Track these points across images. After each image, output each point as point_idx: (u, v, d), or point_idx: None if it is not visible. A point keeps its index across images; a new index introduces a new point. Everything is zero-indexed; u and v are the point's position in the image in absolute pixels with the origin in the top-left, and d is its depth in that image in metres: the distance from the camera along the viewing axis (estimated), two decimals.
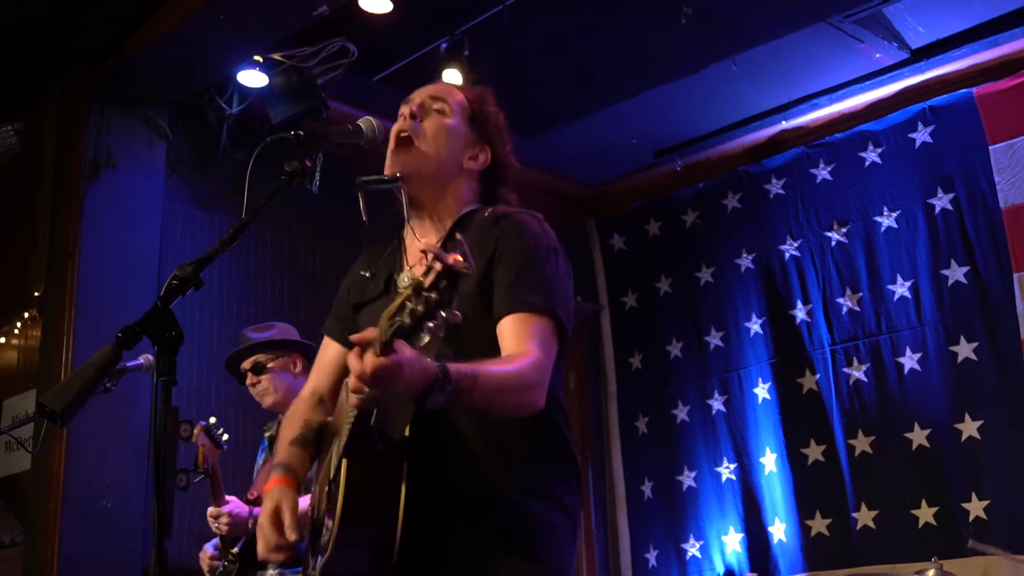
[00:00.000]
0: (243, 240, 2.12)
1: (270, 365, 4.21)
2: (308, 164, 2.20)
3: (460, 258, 1.76)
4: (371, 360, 1.85)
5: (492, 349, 2.27)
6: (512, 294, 2.31)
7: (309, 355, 4.28)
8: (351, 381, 1.92)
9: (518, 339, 2.26)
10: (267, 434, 4.38)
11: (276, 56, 5.18)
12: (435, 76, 5.28)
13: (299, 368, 4.26)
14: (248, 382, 4.23)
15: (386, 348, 1.84)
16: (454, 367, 2.01)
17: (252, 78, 5.34)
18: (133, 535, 5.05)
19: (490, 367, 2.14)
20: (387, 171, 2.46)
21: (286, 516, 2.22)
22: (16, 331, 5.67)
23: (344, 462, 2.15)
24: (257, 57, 5.25)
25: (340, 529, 2.12)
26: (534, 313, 2.29)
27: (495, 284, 2.33)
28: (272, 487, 2.30)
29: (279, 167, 2.17)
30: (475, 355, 2.17)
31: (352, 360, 1.89)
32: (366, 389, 1.90)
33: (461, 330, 2.21)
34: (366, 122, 2.37)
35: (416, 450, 2.18)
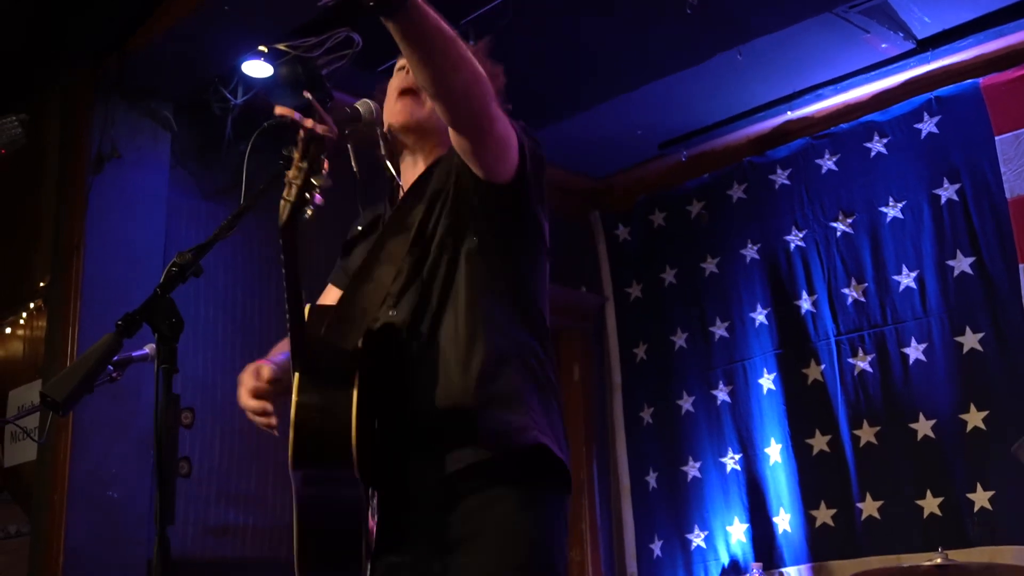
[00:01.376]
0: (246, 230, 2.13)
1: None
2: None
3: (313, 122, 1.83)
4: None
5: (489, 263, 2.31)
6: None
7: None
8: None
9: None
10: None
11: (280, 46, 5.17)
12: None
13: None
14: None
15: (289, 226, 1.88)
16: None
17: (257, 68, 5.34)
18: (139, 526, 5.06)
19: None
20: (396, 119, 2.51)
21: (264, 370, 2.25)
22: (22, 322, 5.68)
23: (295, 376, 2.13)
24: (261, 47, 5.25)
25: (295, 447, 2.10)
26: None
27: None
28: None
29: (279, 151, 2.17)
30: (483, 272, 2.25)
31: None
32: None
33: (436, 253, 2.31)
34: (364, 104, 2.39)
35: (371, 363, 2.15)
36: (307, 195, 1.77)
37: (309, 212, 1.81)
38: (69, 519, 4.92)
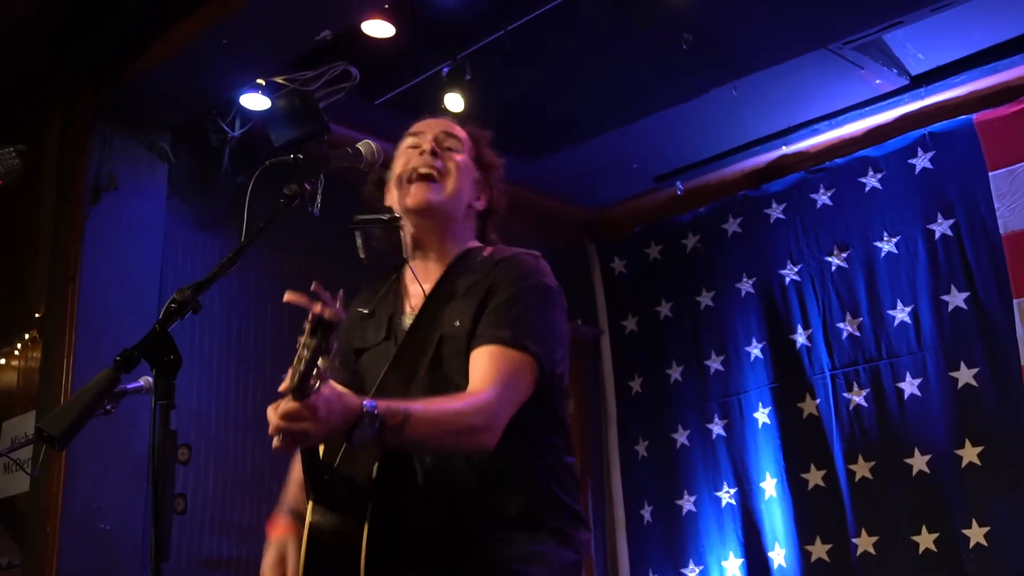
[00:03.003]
0: (244, 261, 2.13)
1: None
2: (308, 187, 2.21)
3: (322, 307, 1.84)
4: (283, 405, 1.87)
5: None
6: (482, 329, 2.27)
7: None
8: (270, 427, 1.91)
9: (478, 375, 2.21)
10: None
11: (278, 79, 5.21)
12: (437, 100, 5.30)
13: None
14: None
15: (297, 392, 1.84)
16: (384, 404, 1.98)
17: (254, 101, 5.36)
18: (132, 557, 5.03)
19: (429, 405, 2.08)
20: (411, 203, 2.45)
21: (289, 565, 2.23)
22: (16, 352, 5.67)
23: (309, 505, 2.14)
24: (260, 80, 5.28)
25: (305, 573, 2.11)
26: (502, 346, 2.23)
27: None
28: (277, 535, 2.30)
29: (280, 189, 2.18)
30: None
31: (269, 409, 1.90)
32: (286, 433, 1.88)
33: (452, 376, 2.26)
34: (365, 145, 2.38)
35: (384, 492, 2.13)
36: (312, 371, 1.82)
37: (314, 384, 1.85)
38: (62, 551, 4.89)
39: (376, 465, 2.13)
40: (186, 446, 4.28)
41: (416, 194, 2.45)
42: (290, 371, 1.86)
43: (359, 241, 2.46)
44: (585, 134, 6.18)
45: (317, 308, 1.85)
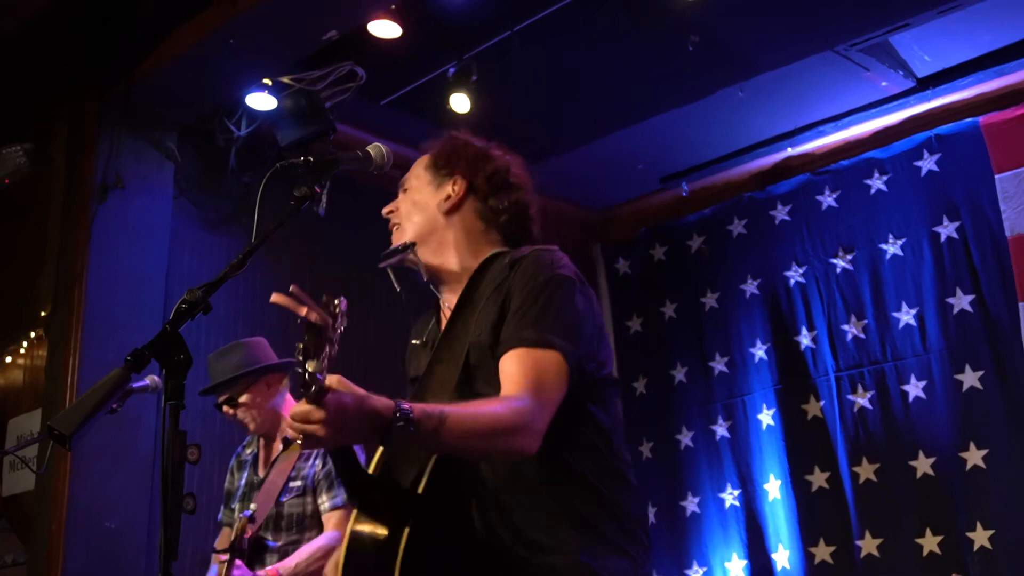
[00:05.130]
0: (250, 261, 2.14)
1: (242, 399, 4.15)
2: (317, 190, 2.21)
3: (306, 310, 1.90)
4: (297, 407, 1.86)
5: None
6: (506, 333, 2.22)
7: (281, 370, 4.27)
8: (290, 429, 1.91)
9: (509, 381, 2.15)
10: (248, 450, 4.36)
11: (285, 79, 5.22)
12: (443, 101, 5.31)
13: (274, 388, 4.22)
14: (225, 414, 4.21)
15: (309, 395, 1.83)
16: (420, 407, 1.94)
17: (261, 101, 5.37)
18: (137, 556, 5.05)
19: (465, 409, 2.04)
20: (397, 284, 2.49)
21: None
22: (22, 350, 5.68)
23: (353, 513, 2.14)
24: (266, 80, 5.29)
25: None
26: (525, 348, 2.17)
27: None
28: None
29: (286, 188, 2.19)
30: None
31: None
32: (303, 434, 1.87)
33: (480, 388, 2.23)
34: (375, 148, 2.38)
35: (427, 502, 2.10)
36: (308, 377, 1.82)
37: (314, 388, 1.83)
38: (67, 549, 4.89)
39: (425, 474, 2.11)
40: (195, 446, 4.29)
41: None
42: (299, 371, 1.86)
43: (393, 278, 2.47)
44: (591, 135, 6.19)
45: (302, 311, 1.89)
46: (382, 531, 2.09)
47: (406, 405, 1.92)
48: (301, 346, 1.82)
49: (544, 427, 2.10)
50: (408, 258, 2.47)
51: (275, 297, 1.96)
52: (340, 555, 2.11)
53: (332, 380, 1.87)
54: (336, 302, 1.93)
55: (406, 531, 2.06)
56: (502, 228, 2.50)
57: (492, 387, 2.18)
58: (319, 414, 1.83)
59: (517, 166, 2.58)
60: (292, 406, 4.25)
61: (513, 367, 2.16)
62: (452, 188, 2.49)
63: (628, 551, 2.25)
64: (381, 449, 2.18)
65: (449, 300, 2.46)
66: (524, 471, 2.19)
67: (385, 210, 2.55)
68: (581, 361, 2.22)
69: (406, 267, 2.49)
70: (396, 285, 2.47)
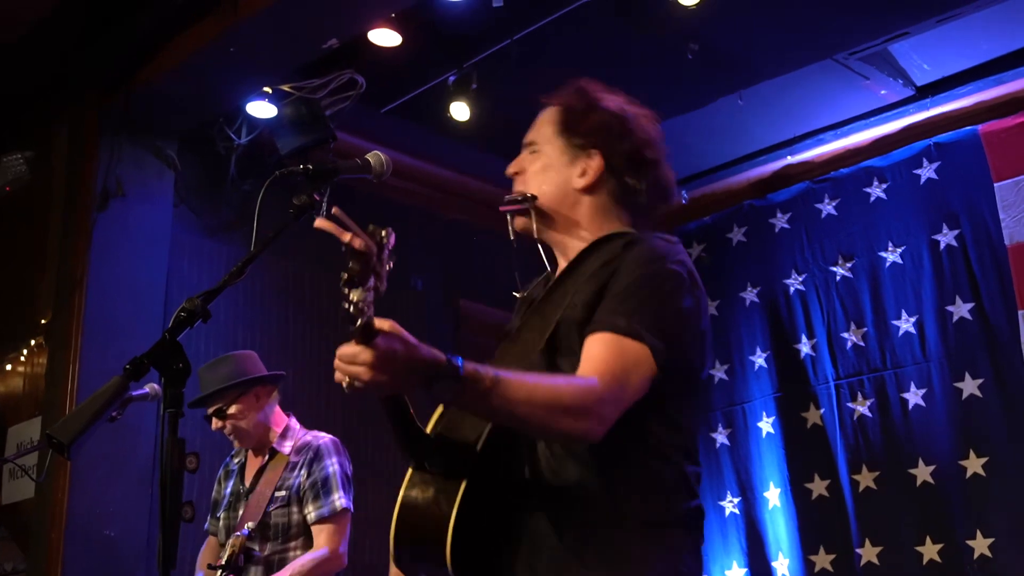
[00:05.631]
0: (249, 269, 2.14)
1: (231, 411, 4.16)
2: (317, 198, 2.21)
3: (350, 237, 1.78)
4: (345, 347, 1.79)
5: None
6: (599, 315, 2.09)
7: (270, 382, 4.29)
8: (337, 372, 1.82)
9: (588, 361, 2.03)
10: (236, 460, 4.38)
11: (285, 87, 5.23)
12: (443, 109, 5.32)
13: (263, 400, 4.23)
14: (214, 427, 4.22)
15: (359, 337, 1.76)
16: (474, 365, 1.84)
17: (261, 109, 5.39)
18: (136, 564, 5.05)
19: (525, 376, 1.92)
20: (512, 233, 2.37)
21: None
22: (22, 358, 5.69)
23: (408, 473, 2.08)
24: (266, 88, 5.30)
25: (395, 543, 2.07)
26: (615, 334, 2.03)
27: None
28: None
29: (286, 196, 2.19)
30: None
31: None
32: (347, 377, 1.79)
33: (561, 361, 2.14)
34: (374, 156, 2.38)
35: (484, 468, 2.02)
36: (353, 308, 1.74)
37: (362, 321, 1.75)
38: (66, 557, 4.90)
39: (483, 438, 2.03)
40: (194, 454, 4.30)
41: (513, 226, 2.38)
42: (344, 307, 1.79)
43: (511, 226, 2.36)
44: None
45: (346, 237, 1.78)
46: (436, 490, 2.02)
47: (459, 360, 1.83)
48: (345, 275, 1.74)
49: (613, 417, 1.98)
50: (523, 213, 2.35)
51: (319, 222, 1.85)
52: (393, 520, 2.05)
53: (384, 324, 1.78)
54: (384, 232, 1.82)
55: (461, 489, 1.99)
56: (634, 206, 2.37)
57: (572, 364, 2.07)
58: (367, 355, 1.75)
59: (655, 132, 2.43)
60: (281, 418, 4.28)
61: (596, 349, 2.04)
62: (588, 163, 2.34)
63: (679, 559, 2.16)
64: (440, 410, 2.12)
65: (560, 264, 2.36)
66: (579, 458, 2.09)
67: (510, 170, 2.41)
68: (672, 362, 2.08)
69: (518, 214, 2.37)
70: (511, 233, 2.34)
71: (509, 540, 2.09)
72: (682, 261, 2.21)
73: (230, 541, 4.00)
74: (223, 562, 3.93)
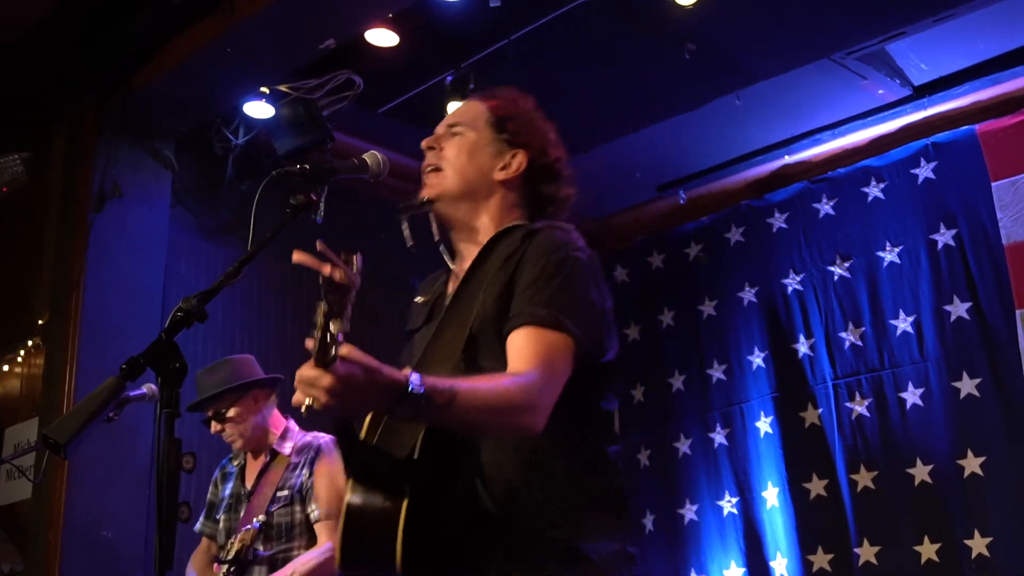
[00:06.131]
0: (246, 270, 2.13)
1: (229, 414, 4.17)
2: (313, 198, 2.21)
3: (331, 268, 1.81)
4: (302, 369, 1.81)
5: None
6: (516, 309, 2.18)
7: (268, 385, 4.30)
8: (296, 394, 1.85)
9: (517, 357, 2.12)
10: (234, 462, 4.38)
11: (282, 88, 5.23)
12: (440, 109, 5.31)
13: (260, 403, 4.25)
14: (212, 430, 4.23)
15: (317, 358, 1.78)
16: (431, 380, 1.90)
17: (258, 109, 5.39)
18: (134, 565, 5.04)
19: (474, 384, 2.00)
20: (423, 194, 2.43)
21: None
22: (19, 359, 5.68)
23: (348, 484, 2.09)
24: (264, 89, 5.29)
25: (343, 548, 2.06)
26: (537, 327, 2.13)
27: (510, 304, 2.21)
28: None
29: (283, 197, 2.18)
30: None
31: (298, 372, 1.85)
32: (312, 398, 1.81)
33: (481, 356, 2.20)
34: (371, 156, 2.38)
35: (423, 473, 2.06)
36: (328, 338, 1.77)
37: (333, 352, 1.78)
38: (64, 558, 4.89)
39: (418, 443, 2.07)
40: (191, 454, 4.30)
41: (424, 187, 2.44)
42: (311, 340, 1.81)
43: (405, 230, 2.41)
44: (588, 143, 6.18)
45: (326, 270, 1.82)
46: (382, 500, 2.04)
47: (417, 379, 1.88)
48: (323, 306, 1.76)
49: (550, 406, 2.08)
50: (426, 211, 2.41)
51: (297, 256, 1.91)
52: (338, 529, 2.06)
53: (343, 349, 1.81)
54: (354, 258, 1.88)
55: (405, 500, 2.01)
56: (539, 211, 2.46)
57: (494, 359, 2.16)
58: (326, 380, 1.78)
59: (567, 158, 2.56)
60: (280, 421, 4.28)
61: (523, 344, 2.13)
62: (512, 160, 2.44)
63: (616, 535, 2.24)
64: (370, 417, 2.15)
65: (461, 263, 2.42)
66: (520, 446, 2.17)
67: (426, 142, 2.48)
68: (588, 347, 2.20)
69: (417, 218, 2.43)
70: (408, 240, 2.40)
71: (455, 538, 2.13)
72: (582, 247, 2.30)
73: (239, 536, 4.00)
74: (230, 556, 3.94)
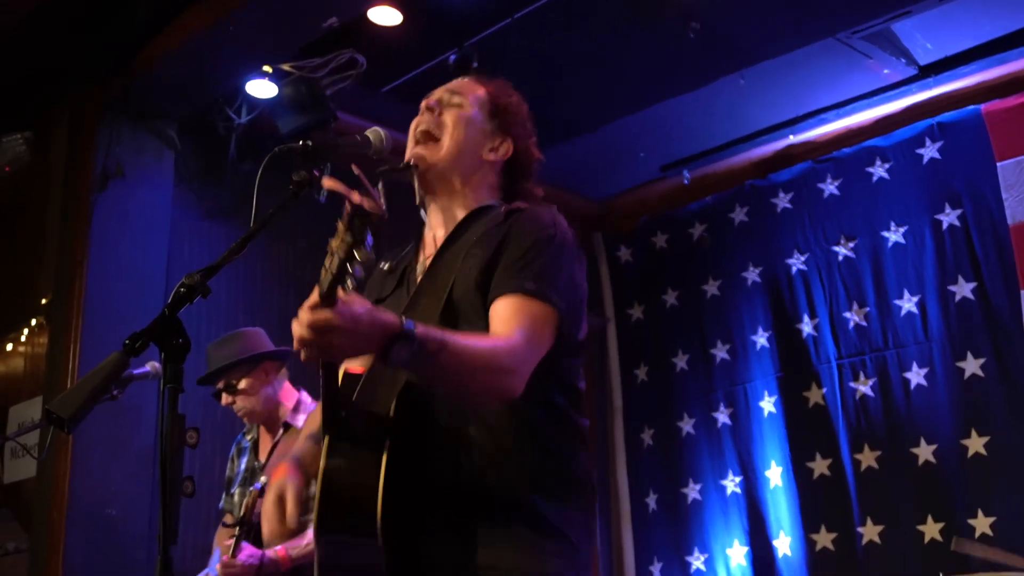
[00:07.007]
0: (250, 250, 2.13)
1: (240, 386, 4.19)
2: (316, 174, 2.20)
3: (361, 196, 1.80)
4: (308, 313, 1.84)
5: None
6: (503, 278, 2.24)
7: (278, 358, 4.30)
8: (295, 337, 1.87)
9: (503, 322, 2.18)
10: (248, 437, 4.39)
11: (285, 66, 5.21)
12: None
13: (271, 375, 4.26)
14: (223, 402, 4.24)
15: (327, 300, 1.81)
16: (422, 327, 1.95)
17: (261, 88, 5.36)
18: (138, 543, 5.06)
19: (463, 339, 2.05)
20: (408, 159, 2.46)
21: (288, 502, 2.19)
22: (23, 338, 5.69)
23: (326, 440, 2.10)
24: (266, 68, 5.28)
25: (320, 511, 2.08)
26: (524, 296, 2.20)
27: (494, 274, 2.27)
28: (278, 475, 2.27)
29: (287, 176, 2.18)
30: None
31: (299, 314, 1.86)
32: (311, 345, 1.85)
33: (460, 323, 2.23)
34: (374, 132, 2.37)
35: (401, 431, 2.09)
36: (348, 267, 1.77)
37: (350, 284, 1.80)
38: (68, 537, 4.91)
39: (393, 404, 2.10)
40: (194, 429, 4.31)
41: (412, 150, 2.47)
42: (323, 272, 1.81)
43: (382, 194, 2.42)
44: (592, 123, 6.17)
45: (356, 197, 1.82)
46: (360, 460, 2.06)
47: (410, 323, 1.92)
48: (346, 237, 1.76)
49: (529, 372, 2.14)
50: (407, 175, 2.46)
51: (328, 182, 1.97)
52: (316, 488, 2.08)
53: (341, 293, 1.84)
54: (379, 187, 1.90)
55: (384, 459, 2.05)
56: (512, 195, 2.54)
57: (472, 327, 2.21)
58: (335, 318, 1.82)
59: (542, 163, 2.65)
60: (292, 393, 4.28)
61: (510, 311, 2.19)
62: (499, 145, 2.53)
63: (578, 504, 2.29)
64: (343, 373, 2.17)
65: (436, 231, 2.47)
66: (495, 411, 2.22)
67: (426, 102, 2.54)
68: (569, 322, 2.28)
69: (395, 183, 2.44)
70: (383, 203, 2.45)
71: (432, 500, 2.17)
72: (566, 228, 2.39)
73: (245, 500, 4.01)
74: (238, 518, 3.95)
